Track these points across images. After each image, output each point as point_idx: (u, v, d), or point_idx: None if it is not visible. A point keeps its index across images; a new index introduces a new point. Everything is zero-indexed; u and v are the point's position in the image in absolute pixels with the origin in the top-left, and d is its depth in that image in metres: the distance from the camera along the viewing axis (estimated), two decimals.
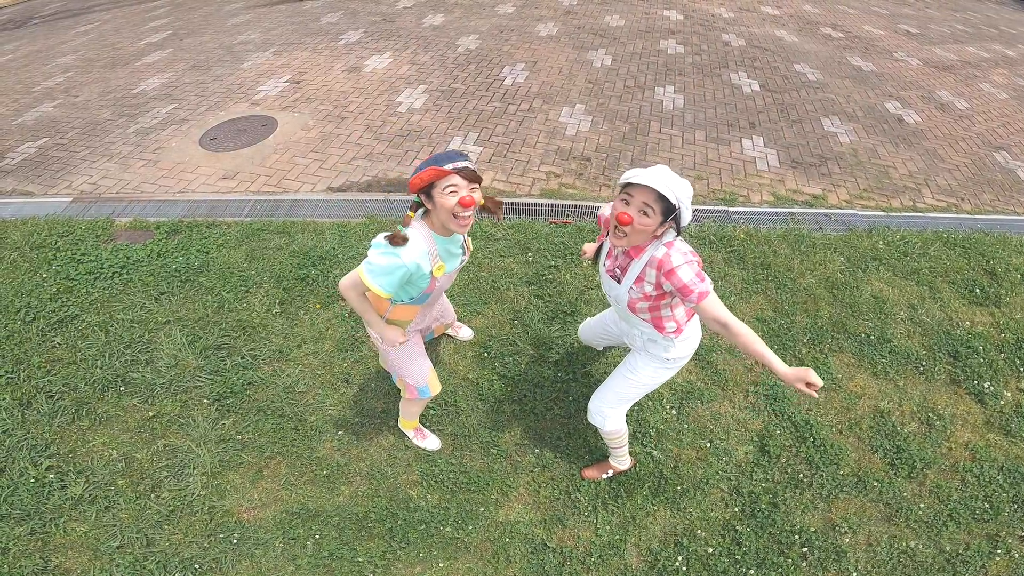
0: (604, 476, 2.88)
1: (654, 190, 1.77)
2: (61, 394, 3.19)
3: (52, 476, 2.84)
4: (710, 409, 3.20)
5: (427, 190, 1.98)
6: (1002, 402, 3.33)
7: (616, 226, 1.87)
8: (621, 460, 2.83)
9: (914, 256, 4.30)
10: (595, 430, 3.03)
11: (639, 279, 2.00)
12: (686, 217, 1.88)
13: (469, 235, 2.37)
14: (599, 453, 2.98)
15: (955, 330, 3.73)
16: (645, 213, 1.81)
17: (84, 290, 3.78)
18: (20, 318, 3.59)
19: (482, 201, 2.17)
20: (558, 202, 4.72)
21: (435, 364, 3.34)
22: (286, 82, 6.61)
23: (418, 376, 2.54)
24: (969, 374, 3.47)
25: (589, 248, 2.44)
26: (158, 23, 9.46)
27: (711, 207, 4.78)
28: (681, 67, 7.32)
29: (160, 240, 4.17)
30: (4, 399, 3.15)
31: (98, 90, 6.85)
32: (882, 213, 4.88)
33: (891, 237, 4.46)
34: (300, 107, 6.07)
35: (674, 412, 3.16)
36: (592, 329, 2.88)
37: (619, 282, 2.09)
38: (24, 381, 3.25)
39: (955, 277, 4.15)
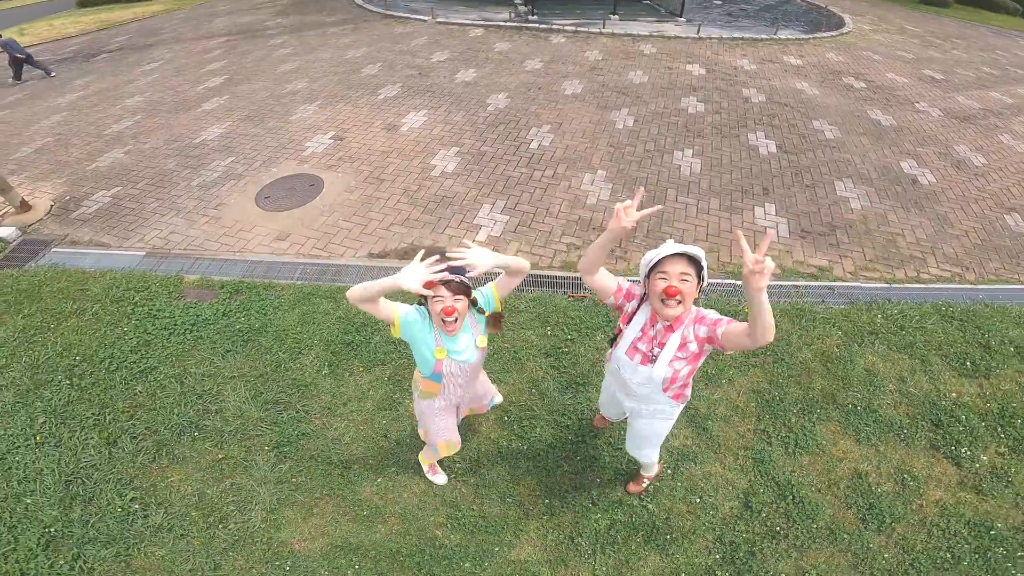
0: (644, 484, 3.41)
1: (683, 257, 2.10)
2: (144, 435, 3.72)
3: (136, 506, 3.35)
4: (702, 469, 3.58)
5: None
6: (978, 464, 3.60)
7: (664, 300, 2.14)
8: (651, 470, 3.32)
9: (910, 330, 4.50)
10: (601, 481, 3.48)
11: (682, 345, 2.31)
12: (705, 278, 2.24)
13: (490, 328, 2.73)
14: (604, 503, 3.39)
15: (941, 400, 3.98)
16: (685, 280, 2.10)
17: (160, 344, 4.34)
18: (104, 367, 4.15)
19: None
20: (576, 274, 4.94)
21: (462, 426, 3.67)
22: (331, 139, 7.23)
23: (434, 435, 3.01)
24: (948, 440, 3.73)
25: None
26: (215, 66, 10.19)
27: (719, 280, 5.06)
28: (700, 128, 7.67)
29: (224, 300, 4.72)
30: (92, 438, 3.68)
31: (164, 137, 7.56)
32: (884, 285, 5.07)
33: (890, 311, 4.68)
34: (343, 167, 6.63)
35: (669, 472, 3.55)
36: (612, 408, 3.24)
37: (652, 363, 2.38)
38: (110, 423, 3.78)
39: (948, 350, 4.35)
